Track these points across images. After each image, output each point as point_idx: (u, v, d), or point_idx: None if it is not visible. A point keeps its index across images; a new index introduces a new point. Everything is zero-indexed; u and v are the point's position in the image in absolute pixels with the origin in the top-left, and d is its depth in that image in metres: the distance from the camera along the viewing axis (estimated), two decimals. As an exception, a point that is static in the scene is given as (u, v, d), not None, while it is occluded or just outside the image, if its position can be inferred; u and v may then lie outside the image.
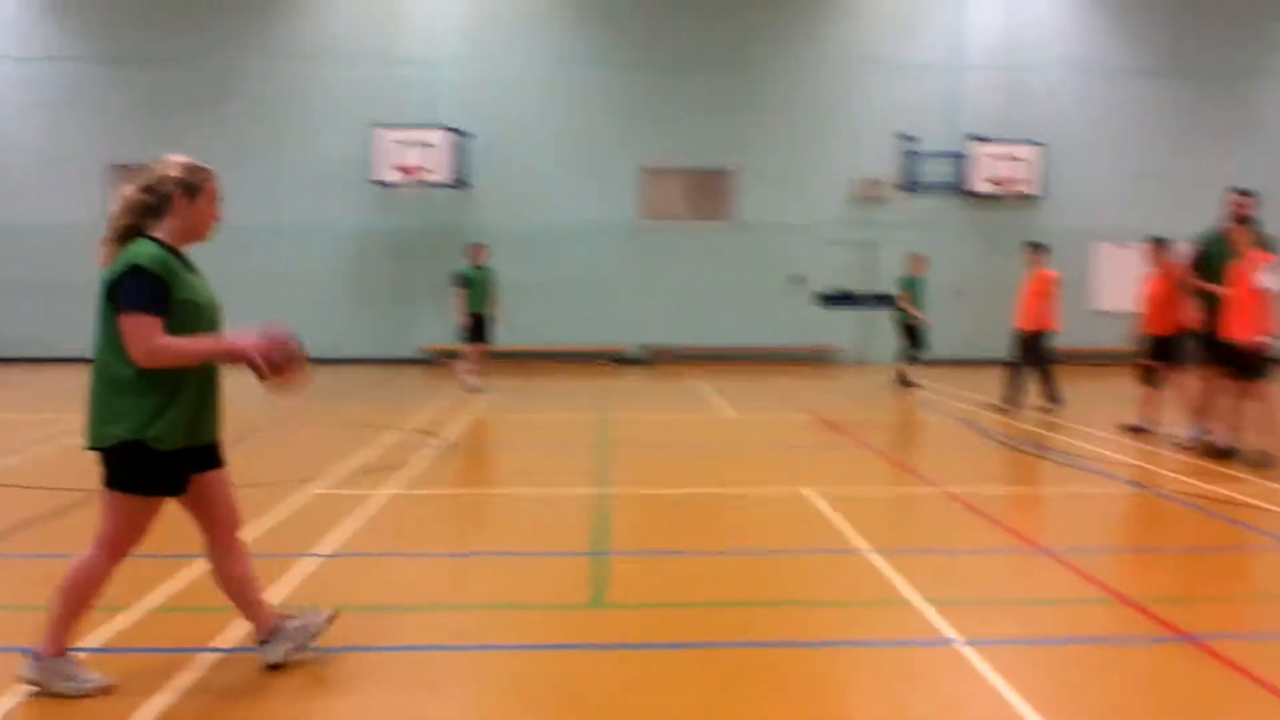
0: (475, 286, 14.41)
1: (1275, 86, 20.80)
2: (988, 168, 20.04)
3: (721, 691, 3.91)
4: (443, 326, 19.26)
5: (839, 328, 20.47)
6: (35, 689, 3.76)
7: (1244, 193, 9.66)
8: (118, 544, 3.78)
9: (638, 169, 20.08)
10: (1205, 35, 20.55)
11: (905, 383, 15.68)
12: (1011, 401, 12.65)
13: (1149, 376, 10.67)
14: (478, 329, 14.46)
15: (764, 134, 20.16)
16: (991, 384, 15.78)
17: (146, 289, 3.60)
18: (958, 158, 20.22)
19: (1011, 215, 20.27)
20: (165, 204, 3.76)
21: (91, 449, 3.73)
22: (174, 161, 3.82)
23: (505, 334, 15.31)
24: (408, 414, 11.75)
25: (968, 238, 20.35)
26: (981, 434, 10.97)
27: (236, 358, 3.71)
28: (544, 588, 5.28)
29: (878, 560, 5.70)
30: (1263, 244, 9.15)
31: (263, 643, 4.03)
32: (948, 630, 4.54)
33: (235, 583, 4.01)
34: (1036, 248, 13.20)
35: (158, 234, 3.76)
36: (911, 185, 20.27)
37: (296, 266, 19.37)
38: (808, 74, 20.22)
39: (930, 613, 4.78)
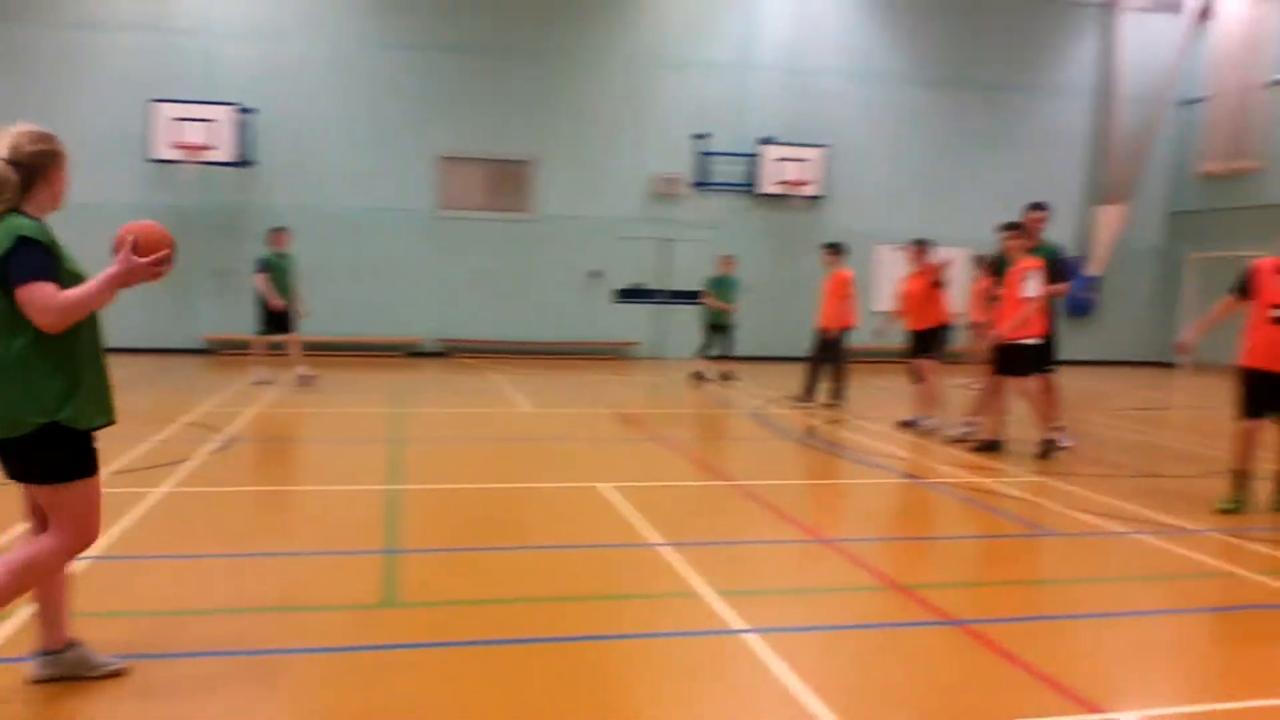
0: (278, 273, 13.81)
1: (1040, 100, 22.38)
2: (777, 169, 20.74)
3: (514, 688, 3.92)
4: (227, 314, 18.46)
5: (636, 323, 20.76)
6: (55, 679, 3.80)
7: (1037, 206, 10.23)
8: (79, 534, 3.72)
9: (435, 157, 19.75)
10: (978, 50, 21.91)
11: (701, 378, 16.16)
12: (806, 397, 13.17)
13: (915, 372, 11.39)
14: (278, 318, 13.86)
15: (564, 127, 20.19)
16: (781, 380, 16.37)
17: (39, 257, 3.49)
18: (749, 158, 20.84)
19: (799, 216, 21.06)
20: (34, 176, 3.63)
21: (9, 440, 3.55)
22: (28, 131, 3.65)
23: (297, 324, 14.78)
24: (187, 407, 11.18)
25: (758, 237, 21.02)
26: (771, 429, 11.37)
27: (130, 278, 3.57)
28: (333, 588, 5.14)
29: (669, 554, 5.83)
30: (1047, 254, 9.76)
31: (45, 653, 3.84)
32: (735, 621, 4.69)
33: (58, 584, 3.84)
34: (834, 248, 13.61)
35: (27, 208, 3.61)
36: (705, 184, 20.76)
37: (68, 248, 18.07)
38: (607, 69, 20.38)
39: (719, 604, 4.93)
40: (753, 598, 5.10)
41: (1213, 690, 4.18)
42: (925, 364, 11.26)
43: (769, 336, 20.51)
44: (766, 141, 20.73)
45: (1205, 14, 22.20)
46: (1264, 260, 7.45)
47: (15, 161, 3.59)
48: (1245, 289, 7.43)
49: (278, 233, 14.14)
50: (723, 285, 16.64)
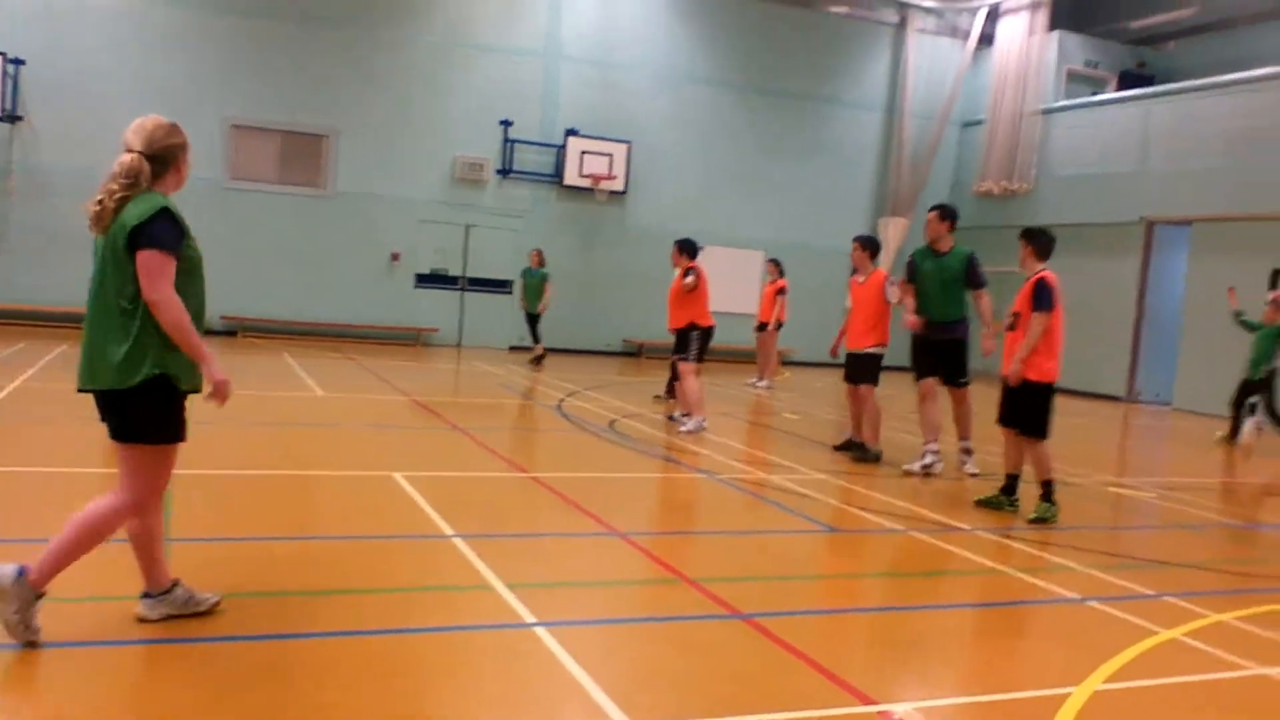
0: None
1: (837, 112, 23.31)
2: (581, 162, 20.82)
3: (297, 685, 3.75)
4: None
5: (435, 309, 20.41)
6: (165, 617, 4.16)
7: (940, 212, 9.79)
8: (142, 499, 4.05)
9: (225, 124, 18.81)
10: (780, 60, 22.63)
11: (538, 361, 17.04)
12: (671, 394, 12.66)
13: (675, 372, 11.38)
14: None
15: (365, 102, 19.62)
16: (581, 372, 16.45)
17: (170, 231, 3.83)
18: (555, 149, 20.83)
19: (602, 209, 21.21)
20: (166, 168, 4.00)
21: (114, 391, 3.85)
22: (163, 123, 4.01)
23: (56, 294, 13.79)
24: (-65, 380, 10.23)
25: (561, 228, 21.05)
26: (571, 421, 11.39)
27: (206, 367, 3.92)
28: (89, 579, 4.78)
29: (462, 545, 5.74)
30: (960, 257, 9.62)
31: (149, 595, 4.21)
32: (526, 614, 4.66)
33: (147, 535, 4.15)
34: (681, 245, 12.18)
35: (157, 190, 3.95)
36: (510, 172, 20.62)
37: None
38: (411, 46, 19.93)
39: (510, 596, 4.88)
40: (545, 590, 5.08)
41: (982, 682, 4.43)
42: (683, 364, 11.12)
43: (570, 329, 20.60)
44: (572, 133, 20.76)
45: (985, 40, 23.64)
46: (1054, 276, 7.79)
47: (151, 155, 3.93)
48: (1050, 302, 7.64)
49: None
50: (529, 278, 17.27)
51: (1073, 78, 23.11)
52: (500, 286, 20.87)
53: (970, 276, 9.36)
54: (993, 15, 23.62)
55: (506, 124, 20.44)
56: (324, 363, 15.03)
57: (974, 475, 9.43)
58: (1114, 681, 4.39)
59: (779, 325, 16.71)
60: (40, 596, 3.89)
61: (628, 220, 21.31)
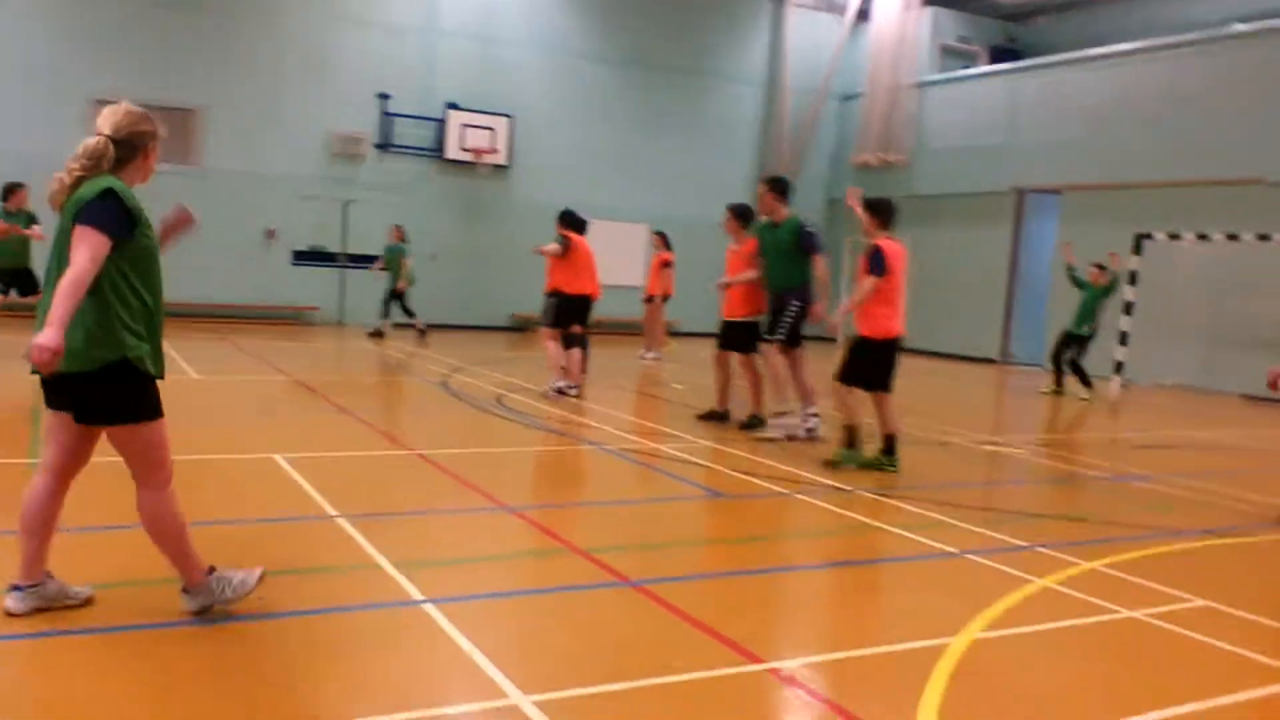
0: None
1: (718, 86, 23.45)
2: (463, 136, 20.53)
3: (165, 674, 3.63)
4: None
5: (315, 287, 19.93)
6: (208, 610, 4.11)
7: (767, 184, 9.86)
8: (159, 473, 4.07)
9: (89, 100, 17.96)
10: (660, 34, 22.65)
11: (377, 335, 17.10)
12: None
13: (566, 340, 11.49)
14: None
15: (236, 76, 18.97)
16: (466, 348, 16.28)
17: (110, 214, 3.74)
18: (435, 123, 20.50)
19: (485, 184, 20.97)
20: (133, 154, 3.98)
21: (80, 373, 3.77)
22: (134, 110, 3.98)
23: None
24: None
25: (444, 203, 20.75)
26: (457, 397, 11.26)
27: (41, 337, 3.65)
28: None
29: (347, 525, 5.63)
30: (792, 227, 9.62)
31: (18, 588, 4.05)
32: (414, 591, 4.60)
33: (48, 517, 4.09)
34: (560, 215, 11.91)
35: (120, 176, 3.92)
36: (390, 146, 20.22)
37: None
38: (283, 19, 19.34)
39: (398, 575, 4.81)
40: (434, 568, 5.02)
41: (866, 636, 4.54)
42: (542, 329, 11.59)
43: (456, 305, 20.36)
44: (453, 107, 20.46)
45: (862, 15, 24.04)
46: (892, 244, 8.18)
47: (119, 140, 3.91)
48: (882, 268, 8.07)
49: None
50: (392, 253, 17.37)
51: (946, 52, 23.69)
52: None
53: (803, 243, 9.47)
54: (868, -11, 24.03)
55: (384, 98, 20.01)
56: (199, 344, 14.56)
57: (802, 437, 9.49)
58: (992, 630, 4.55)
59: (665, 298, 16.80)
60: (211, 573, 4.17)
61: (512, 194, 21.12)
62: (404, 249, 17.49)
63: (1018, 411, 14.38)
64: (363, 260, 20.20)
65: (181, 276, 18.69)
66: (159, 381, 4.00)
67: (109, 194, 3.76)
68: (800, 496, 7.18)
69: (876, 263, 8.03)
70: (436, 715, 3.47)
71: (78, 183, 3.86)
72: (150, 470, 4.04)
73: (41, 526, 4.05)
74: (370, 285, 20.24)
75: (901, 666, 4.12)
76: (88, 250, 3.65)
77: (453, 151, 20.50)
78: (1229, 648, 4.55)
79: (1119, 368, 15.83)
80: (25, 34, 17.46)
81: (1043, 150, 20.11)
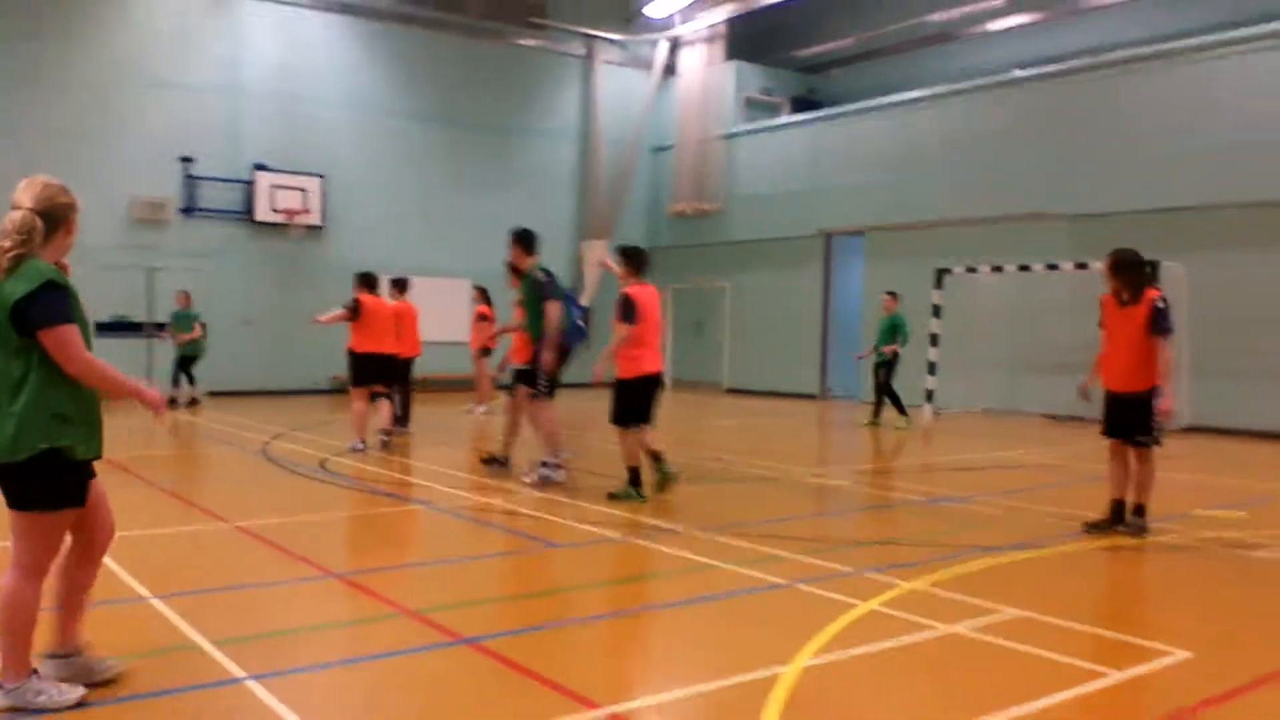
0: None
1: (532, 142, 23.64)
2: (273, 197, 20.03)
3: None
4: None
5: (120, 359, 18.84)
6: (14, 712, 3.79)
7: (512, 236, 9.98)
8: (37, 564, 3.87)
9: None
10: (472, 91, 22.71)
11: (191, 403, 16.87)
12: (401, 423, 13.20)
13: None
14: None
15: (29, 144, 17.91)
16: (284, 413, 15.76)
17: (62, 303, 3.73)
18: (244, 184, 19.93)
19: (299, 246, 20.46)
20: (56, 226, 3.89)
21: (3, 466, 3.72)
22: (55, 184, 3.95)
23: None
24: None
25: (257, 266, 20.11)
26: (276, 465, 10.87)
27: (140, 398, 3.96)
28: None
29: (162, 606, 5.34)
30: (525, 281, 9.92)
31: (54, 656, 4.07)
32: (235, 669, 4.39)
33: (77, 589, 4.13)
34: (356, 276, 12.51)
35: (43, 254, 3.81)
36: (195, 210, 19.51)
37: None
38: (79, 85, 18.47)
39: (218, 654, 4.58)
40: (256, 642, 4.80)
41: (701, 673, 4.56)
42: (350, 392, 12.07)
43: (273, 370, 19.72)
44: (260, 168, 19.94)
45: (669, 70, 24.74)
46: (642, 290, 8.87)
47: (42, 212, 3.82)
48: (633, 316, 8.66)
49: None
50: (180, 319, 17.00)
51: (751, 104, 24.60)
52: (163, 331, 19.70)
53: (536, 293, 9.64)
54: (674, 47, 24.75)
55: (187, 160, 19.33)
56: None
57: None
58: (821, 655, 4.67)
59: (485, 351, 16.65)
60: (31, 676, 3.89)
61: (328, 255, 20.66)
62: (193, 314, 17.20)
63: (839, 444, 14.89)
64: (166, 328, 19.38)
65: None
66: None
67: (49, 287, 3.70)
68: (634, 540, 7.21)
69: (628, 311, 8.66)
70: (264, 795, 3.31)
71: (14, 263, 3.74)
72: (36, 554, 3.89)
73: (5, 626, 3.89)
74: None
75: (737, 700, 4.17)
76: (68, 348, 3.71)
77: (263, 213, 19.95)
78: (1043, 653, 4.79)
79: (930, 396, 16.62)
80: None
81: (846, 194, 21.06)
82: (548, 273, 9.77)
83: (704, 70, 23.91)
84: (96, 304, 18.44)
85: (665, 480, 8.81)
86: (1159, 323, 7.38)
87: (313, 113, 20.74)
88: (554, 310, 9.58)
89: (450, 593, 5.99)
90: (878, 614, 5.37)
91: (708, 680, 4.39)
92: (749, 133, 23.64)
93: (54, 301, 3.70)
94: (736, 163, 23.59)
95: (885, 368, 15.73)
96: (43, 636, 4.03)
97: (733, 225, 23.49)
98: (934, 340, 17.07)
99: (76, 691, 3.95)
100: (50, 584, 4.01)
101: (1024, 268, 16.34)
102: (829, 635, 4.96)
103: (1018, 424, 16.44)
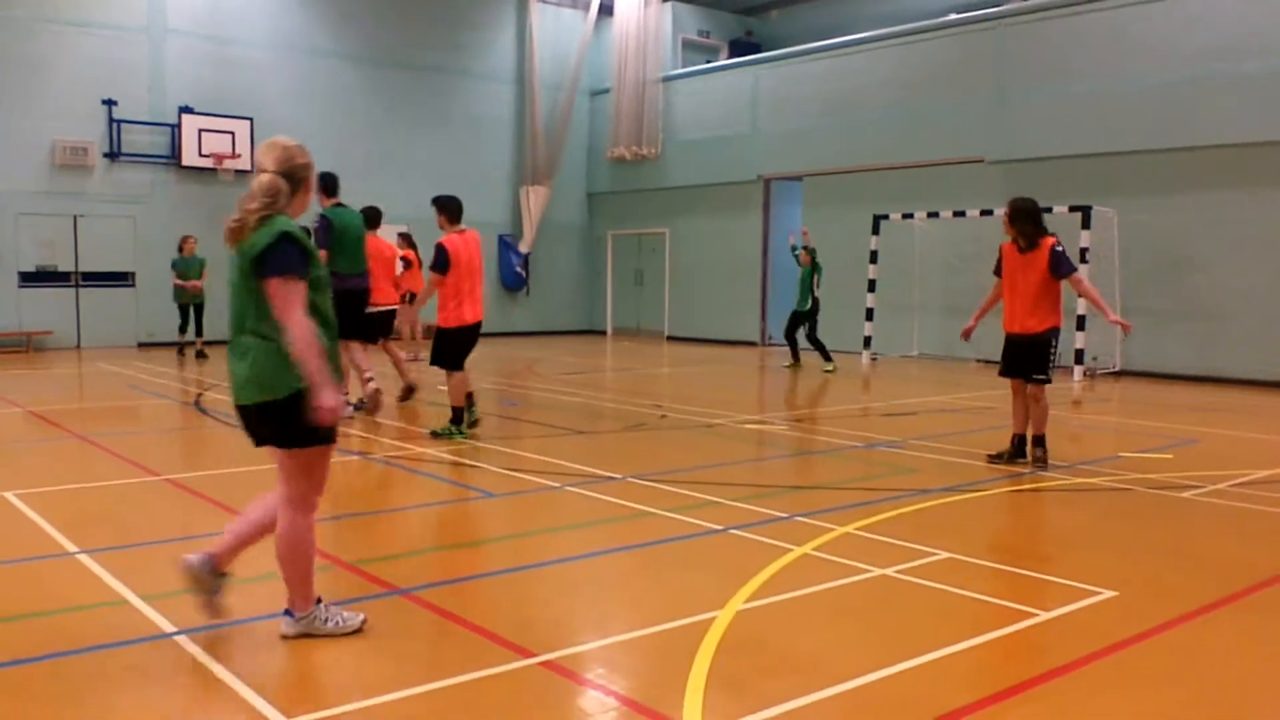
0: None
1: (468, 84, 23.24)
2: (201, 141, 19.51)
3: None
4: None
5: (46, 310, 18.44)
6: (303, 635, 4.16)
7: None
8: (306, 497, 4.17)
9: None
10: (406, 32, 22.23)
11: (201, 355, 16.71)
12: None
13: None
14: None
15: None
16: (209, 364, 15.51)
17: (295, 256, 3.92)
18: (170, 128, 19.38)
19: (230, 190, 19.95)
20: (298, 186, 4.07)
21: (264, 404, 3.96)
22: (290, 144, 4.08)
23: None
24: None
25: (187, 211, 19.58)
26: (209, 417, 10.70)
27: (319, 398, 3.89)
28: None
29: (89, 561, 5.25)
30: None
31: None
32: (164, 624, 4.34)
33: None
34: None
35: (287, 212, 4.03)
36: (120, 155, 18.95)
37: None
38: (-7, 22, 17.76)
39: (146, 608, 4.53)
40: (187, 597, 4.75)
41: (635, 619, 4.60)
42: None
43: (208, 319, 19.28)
44: (186, 111, 19.40)
45: (605, 10, 24.37)
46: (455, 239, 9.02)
47: (285, 174, 4.02)
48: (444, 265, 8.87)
49: None
50: (188, 265, 16.73)
51: (688, 46, 24.39)
52: (121, 280, 19.20)
53: (317, 239, 9.86)
54: (610, -14, 24.39)
55: (111, 104, 18.73)
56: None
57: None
58: (754, 600, 4.73)
59: (409, 297, 16.35)
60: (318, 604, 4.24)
61: (259, 202, 20.24)
62: (199, 259, 17.02)
63: (776, 390, 15.00)
64: (101, 278, 18.89)
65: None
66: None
67: (284, 238, 3.89)
68: (571, 489, 7.23)
69: (440, 261, 8.90)
70: (194, 751, 3.29)
71: (260, 223, 3.94)
72: (302, 494, 4.16)
73: (289, 559, 4.22)
74: (111, 304, 19.02)
75: (670, 645, 4.21)
76: (293, 301, 3.88)
77: (190, 158, 19.43)
78: (973, 595, 4.90)
79: (867, 342, 16.81)
80: None
81: (784, 139, 21.02)
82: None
83: (640, 11, 23.60)
84: (19, 253, 18.05)
85: (472, 422, 9.40)
86: (1061, 265, 7.85)
87: (240, 53, 20.17)
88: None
89: (385, 544, 5.96)
90: (810, 558, 5.45)
91: (642, 626, 4.43)
92: (687, 76, 23.44)
93: (288, 253, 3.90)
94: (674, 107, 23.41)
95: (805, 318, 15.88)
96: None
97: (671, 170, 23.36)
98: (871, 286, 17.24)
99: (358, 618, 4.28)
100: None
101: (959, 213, 16.49)
102: (762, 580, 5.02)
103: (952, 369, 16.69)
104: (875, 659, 4.04)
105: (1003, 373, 8.29)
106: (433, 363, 9.30)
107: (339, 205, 10.34)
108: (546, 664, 3.97)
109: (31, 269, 18.32)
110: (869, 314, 16.98)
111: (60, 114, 18.32)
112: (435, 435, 9.23)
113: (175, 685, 3.79)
